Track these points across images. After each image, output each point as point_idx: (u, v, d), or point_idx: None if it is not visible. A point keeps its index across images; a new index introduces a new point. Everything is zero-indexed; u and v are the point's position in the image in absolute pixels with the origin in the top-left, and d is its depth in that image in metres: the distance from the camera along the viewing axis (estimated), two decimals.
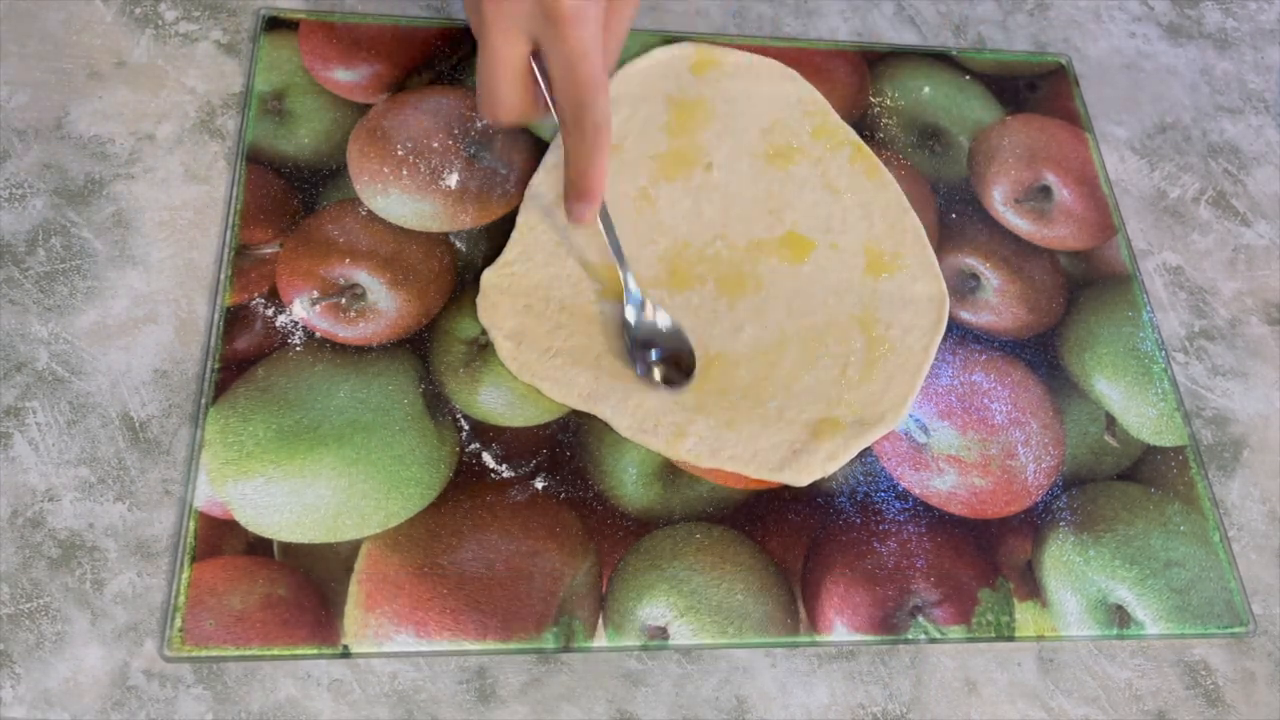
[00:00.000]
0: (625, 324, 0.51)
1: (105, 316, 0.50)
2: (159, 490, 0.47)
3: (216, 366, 0.49)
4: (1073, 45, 0.68)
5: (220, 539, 0.45)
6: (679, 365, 0.51)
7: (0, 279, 0.50)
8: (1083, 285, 0.58)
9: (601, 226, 0.52)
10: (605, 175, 0.48)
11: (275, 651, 0.43)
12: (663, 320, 0.51)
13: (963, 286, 0.57)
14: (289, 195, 0.54)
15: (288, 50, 0.58)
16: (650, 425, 0.49)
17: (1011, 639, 0.48)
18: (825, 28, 0.65)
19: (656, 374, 0.50)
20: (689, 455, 0.49)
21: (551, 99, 0.47)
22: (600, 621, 0.46)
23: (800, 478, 0.49)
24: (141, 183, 0.54)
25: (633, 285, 0.51)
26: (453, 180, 0.55)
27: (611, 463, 0.49)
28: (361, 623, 0.44)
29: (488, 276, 0.52)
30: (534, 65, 0.47)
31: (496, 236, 0.54)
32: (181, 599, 0.44)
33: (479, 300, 0.52)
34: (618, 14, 0.47)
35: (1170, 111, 0.66)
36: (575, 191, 0.49)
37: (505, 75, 0.46)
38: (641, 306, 0.51)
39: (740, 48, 0.62)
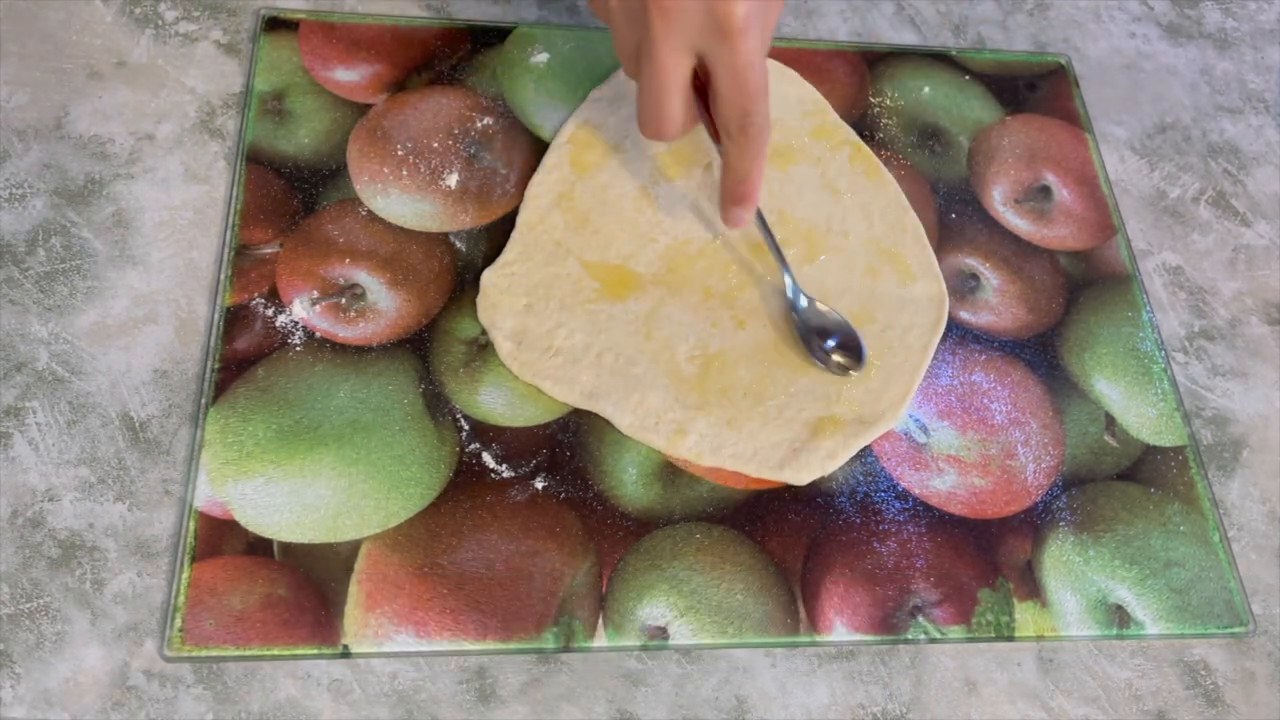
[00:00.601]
0: (794, 316, 0.52)
1: (105, 316, 0.50)
2: (159, 490, 0.47)
3: (216, 366, 0.49)
4: (1073, 45, 0.68)
5: (220, 539, 0.45)
6: (850, 351, 0.52)
7: (0, 279, 0.50)
8: (1082, 285, 0.58)
9: (759, 229, 0.53)
10: (763, 179, 0.49)
11: (275, 651, 0.43)
12: (829, 311, 0.53)
13: (962, 286, 0.57)
14: (289, 195, 0.54)
15: (288, 50, 0.58)
16: (651, 423, 0.49)
17: (1011, 639, 0.48)
18: (825, 28, 0.65)
19: (836, 359, 0.52)
20: (690, 453, 0.49)
21: (711, 109, 0.48)
22: (600, 621, 0.46)
23: (800, 476, 0.49)
24: (141, 183, 0.54)
25: (791, 281, 0.53)
26: (453, 180, 0.55)
27: (611, 463, 0.49)
28: (361, 623, 0.44)
29: (488, 276, 0.52)
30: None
31: (496, 236, 0.54)
32: (181, 599, 0.44)
33: (479, 300, 0.52)
34: (770, 22, 0.48)
35: (1170, 111, 0.67)
36: (735, 197, 0.50)
37: (675, 93, 0.47)
38: (809, 300, 0.53)
39: None
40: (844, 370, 0.51)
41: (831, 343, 0.52)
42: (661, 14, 0.44)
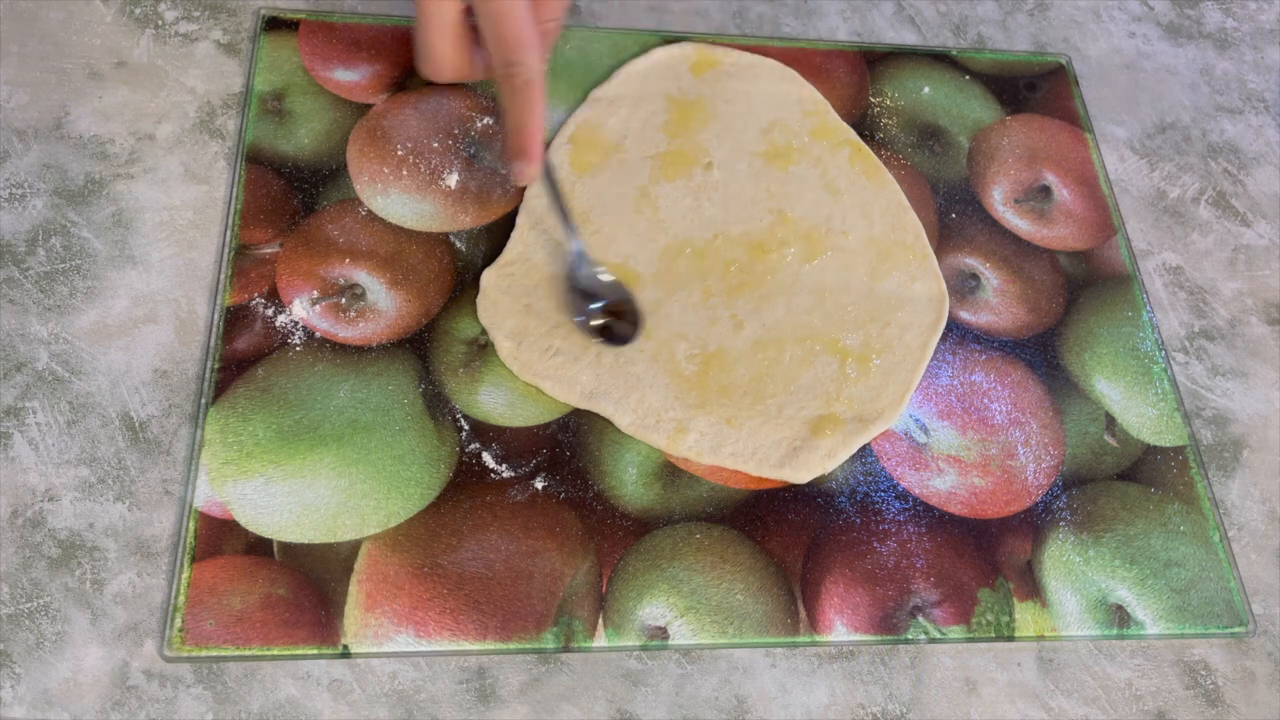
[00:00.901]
0: (568, 275, 0.52)
1: (105, 316, 0.50)
2: (159, 490, 0.47)
3: (216, 366, 0.49)
4: (1073, 45, 0.68)
5: (220, 539, 0.45)
6: (622, 319, 0.51)
7: (0, 279, 0.50)
8: (1083, 285, 0.58)
9: (545, 187, 0.52)
10: (542, 132, 0.49)
11: (275, 651, 0.43)
12: (604, 275, 0.52)
13: (962, 286, 0.57)
14: (289, 195, 0.54)
15: (288, 50, 0.58)
16: (652, 422, 0.49)
17: (1011, 639, 0.48)
18: (825, 28, 0.65)
19: (595, 323, 0.51)
20: (690, 452, 0.49)
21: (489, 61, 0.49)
22: (600, 621, 0.46)
23: (800, 475, 0.49)
24: (141, 183, 0.54)
25: (575, 239, 0.52)
26: (453, 180, 0.55)
27: (611, 462, 0.49)
28: (361, 623, 0.44)
29: (487, 276, 0.52)
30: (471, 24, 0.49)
31: (496, 236, 0.54)
32: (181, 599, 0.44)
33: (479, 300, 0.52)
34: None
35: (1170, 111, 0.66)
36: (514, 150, 0.50)
37: (440, 33, 0.48)
38: (584, 259, 0.52)
39: (740, 48, 0.62)
40: (602, 337, 0.50)
41: (596, 305, 0.51)
42: None
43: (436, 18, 0.48)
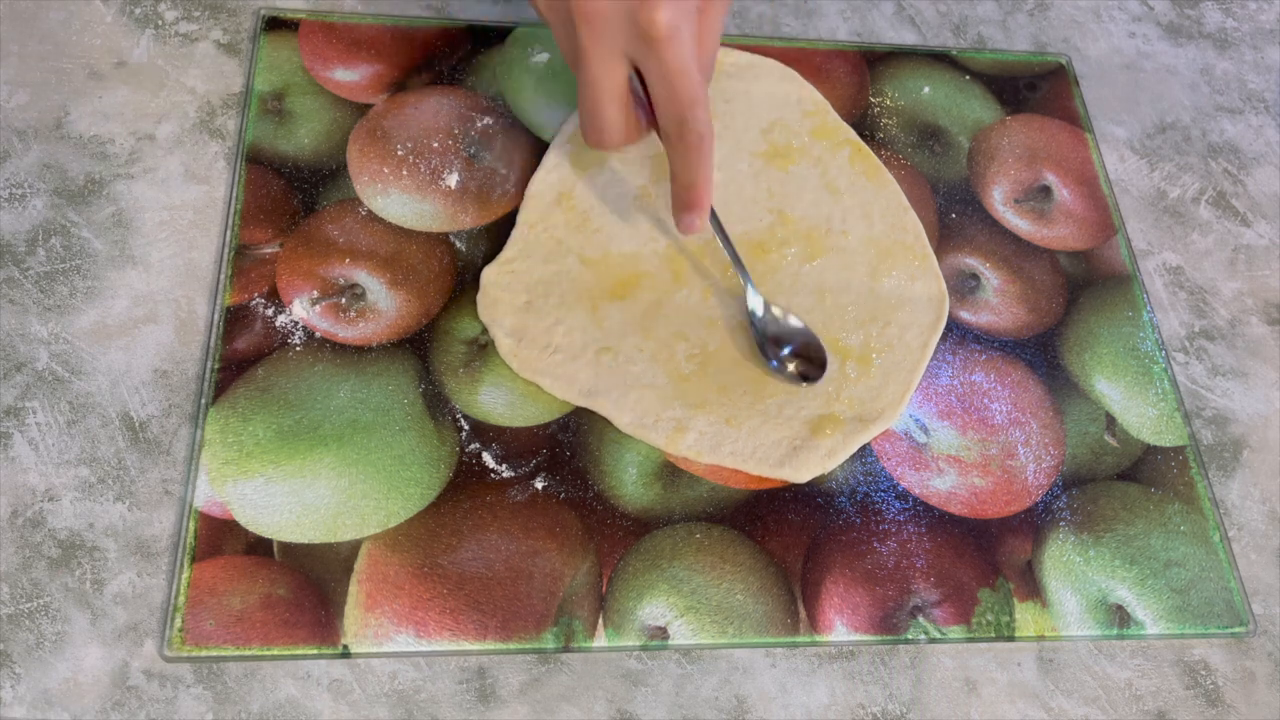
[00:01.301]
0: (752, 322, 0.52)
1: (105, 316, 0.50)
2: (159, 490, 0.47)
3: (216, 366, 0.49)
4: (1073, 45, 0.68)
5: (220, 539, 0.45)
6: (810, 360, 0.51)
7: (0, 279, 0.50)
8: (1083, 285, 0.58)
9: (716, 235, 0.52)
10: (711, 185, 0.49)
11: (275, 651, 0.43)
12: (790, 319, 0.52)
13: (962, 286, 0.57)
14: (289, 195, 0.54)
15: (288, 50, 0.58)
16: (650, 421, 0.49)
17: (1011, 639, 0.48)
18: (825, 28, 0.65)
19: (790, 368, 0.51)
20: (689, 451, 0.49)
21: (653, 117, 0.47)
22: (600, 621, 0.46)
23: (800, 474, 0.49)
24: (141, 183, 0.54)
25: (752, 290, 0.52)
26: (453, 180, 0.55)
27: (611, 462, 0.49)
28: (361, 623, 0.44)
29: (488, 273, 0.52)
30: (633, 85, 0.48)
31: (496, 236, 0.54)
32: (181, 599, 0.44)
33: (479, 297, 0.52)
34: (709, 25, 0.47)
35: (1170, 111, 0.67)
36: (683, 203, 0.49)
37: (610, 101, 0.46)
38: (766, 307, 0.52)
39: (740, 47, 0.62)
40: (800, 380, 0.51)
41: (787, 350, 0.51)
42: (586, 22, 0.44)
43: (607, 83, 0.46)
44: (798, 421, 0.50)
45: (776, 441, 0.50)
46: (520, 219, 0.54)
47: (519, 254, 0.53)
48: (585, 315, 0.52)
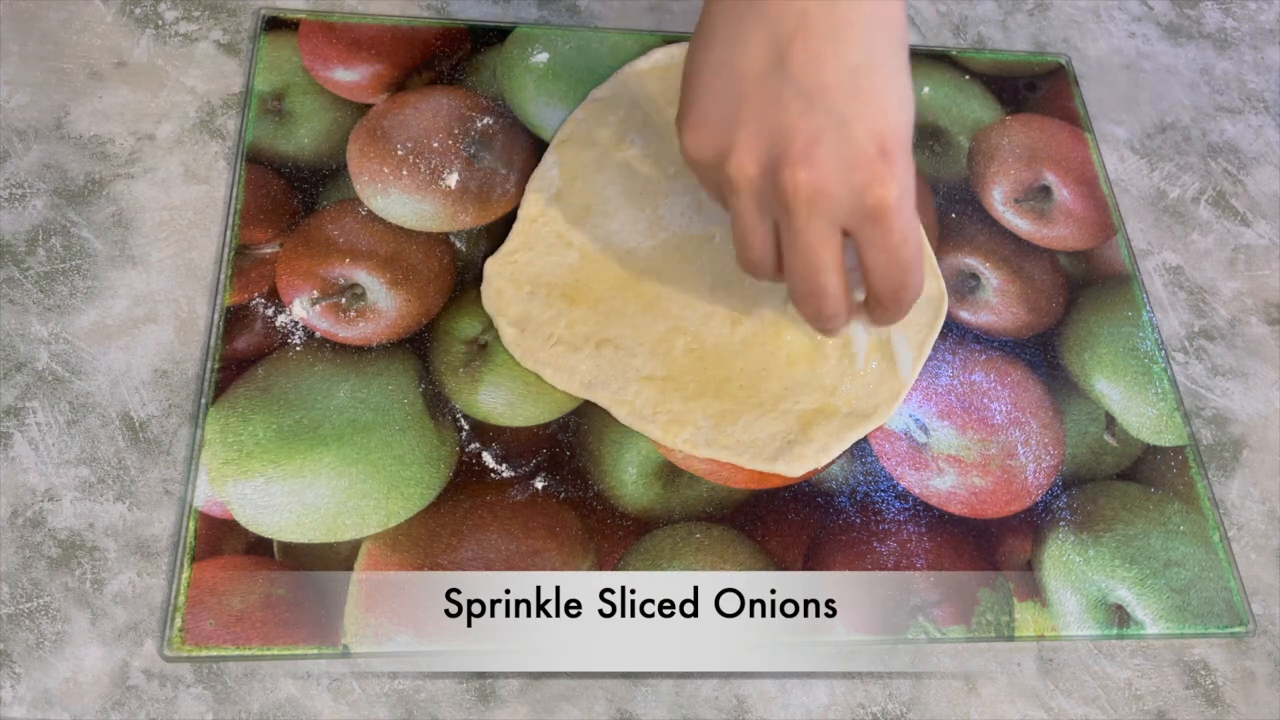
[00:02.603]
0: None
1: (105, 316, 0.50)
2: (159, 490, 0.47)
3: (216, 366, 0.49)
4: (1072, 45, 0.68)
5: (220, 539, 0.45)
6: None
7: (0, 279, 0.50)
8: (1083, 285, 0.58)
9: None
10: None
11: (275, 651, 0.43)
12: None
13: (962, 286, 0.57)
14: (289, 195, 0.54)
15: (288, 50, 0.58)
16: (648, 413, 0.50)
17: (1011, 639, 0.48)
18: None
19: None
20: (685, 444, 0.49)
21: (867, 283, 0.46)
22: None
23: (794, 469, 0.49)
24: (141, 183, 0.54)
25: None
26: (453, 180, 0.55)
27: (611, 462, 0.49)
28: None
29: (491, 265, 0.53)
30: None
31: (496, 237, 0.54)
32: (181, 599, 0.44)
33: (484, 288, 0.52)
34: (920, 198, 0.46)
35: (1170, 111, 0.67)
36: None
37: (831, 271, 0.44)
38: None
39: None
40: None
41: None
42: (809, 204, 0.42)
43: (827, 254, 0.43)
44: (793, 416, 0.50)
45: (771, 435, 0.50)
46: (521, 213, 0.54)
47: (520, 246, 0.53)
48: (585, 308, 0.52)
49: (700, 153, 0.44)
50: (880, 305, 0.47)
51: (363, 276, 0.52)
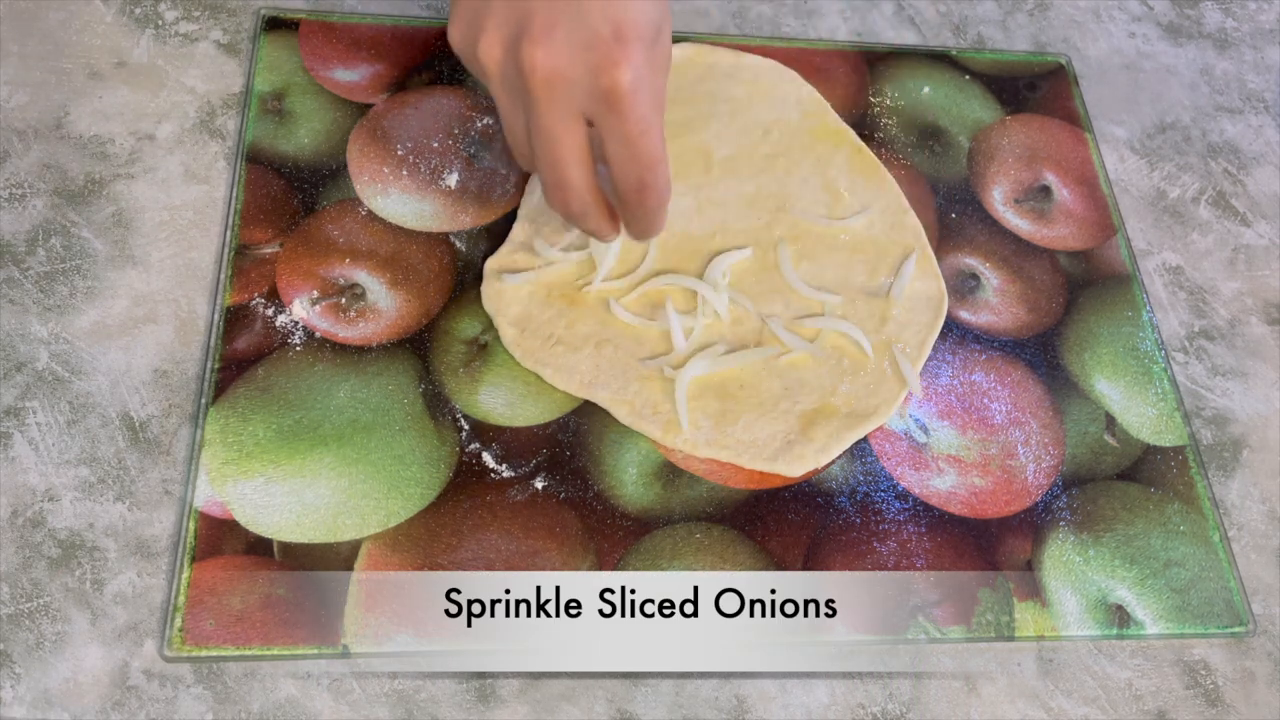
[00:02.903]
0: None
1: (105, 316, 0.50)
2: (159, 490, 0.47)
3: (216, 366, 0.49)
4: (1072, 45, 0.68)
5: (220, 539, 0.45)
6: None
7: (0, 279, 0.50)
8: (1082, 285, 0.58)
9: None
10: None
11: (275, 651, 0.43)
12: None
13: (962, 286, 0.57)
14: (289, 195, 0.54)
15: (288, 50, 0.58)
16: (648, 413, 0.50)
17: (1011, 639, 0.48)
18: (825, 28, 0.65)
19: None
20: (685, 444, 0.49)
21: (612, 180, 0.45)
22: None
23: (793, 468, 0.49)
24: (141, 183, 0.54)
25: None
26: (453, 180, 0.55)
27: (611, 462, 0.49)
28: (361, 623, 0.44)
29: (491, 264, 0.53)
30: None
31: (496, 237, 0.54)
32: (181, 599, 0.44)
33: (484, 287, 0.52)
34: (660, 86, 0.46)
35: (1170, 111, 0.67)
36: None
37: (573, 162, 0.44)
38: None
39: (740, 48, 0.62)
40: None
41: None
42: (546, 86, 0.42)
43: (568, 141, 0.43)
44: (792, 416, 0.50)
45: (771, 435, 0.50)
46: (521, 213, 0.55)
47: (521, 245, 0.53)
48: (585, 308, 0.52)
49: (459, 43, 0.45)
50: (624, 205, 0.46)
51: (363, 276, 0.52)
